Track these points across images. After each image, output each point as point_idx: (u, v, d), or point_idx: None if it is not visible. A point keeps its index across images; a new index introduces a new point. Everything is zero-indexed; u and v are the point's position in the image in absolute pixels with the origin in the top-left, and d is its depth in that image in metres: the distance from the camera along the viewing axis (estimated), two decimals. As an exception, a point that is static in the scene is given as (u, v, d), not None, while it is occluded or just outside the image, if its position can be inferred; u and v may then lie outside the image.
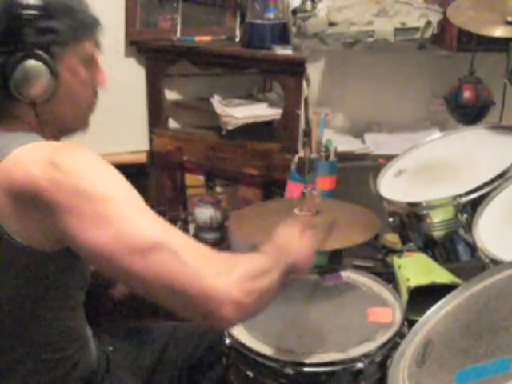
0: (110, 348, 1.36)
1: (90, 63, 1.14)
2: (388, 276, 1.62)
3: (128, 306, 1.43)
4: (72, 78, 1.11)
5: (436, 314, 1.19)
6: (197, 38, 2.32)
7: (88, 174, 1.00)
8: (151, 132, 2.42)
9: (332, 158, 2.03)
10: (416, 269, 1.56)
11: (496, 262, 1.30)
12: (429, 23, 2.21)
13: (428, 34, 2.22)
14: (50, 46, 1.06)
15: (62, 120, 1.13)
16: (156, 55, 2.36)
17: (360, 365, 1.25)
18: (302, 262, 1.14)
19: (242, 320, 1.01)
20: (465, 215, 1.52)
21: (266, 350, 1.28)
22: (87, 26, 1.11)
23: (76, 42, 1.09)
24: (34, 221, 1.01)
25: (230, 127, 2.22)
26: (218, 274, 0.95)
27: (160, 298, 0.99)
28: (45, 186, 0.98)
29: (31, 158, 1.01)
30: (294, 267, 1.12)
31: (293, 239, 1.15)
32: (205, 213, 2.35)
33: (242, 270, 0.99)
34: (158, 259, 0.95)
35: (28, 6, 1.05)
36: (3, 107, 1.10)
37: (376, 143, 2.45)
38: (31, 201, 0.99)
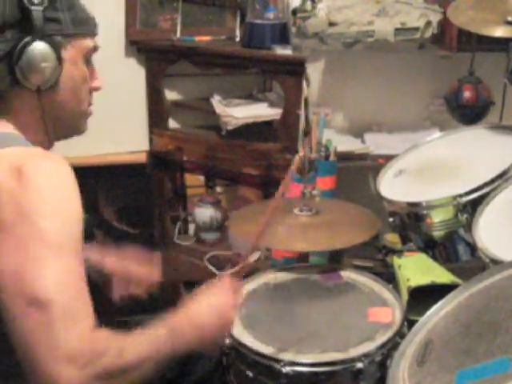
0: None
1: (88, 61, 1.16)
2: (388, 276, 1.61)
3: (123, 306, 1.42)
4: (74, 70, 1.13)
5: (436, 314, 1.19)
6: (197, 38, 2.32)
7: (42, 197, 0.98)
8: (151, 132, 2.42)
9: (332, 158, 2.03)
10: (416, 269, 1.56)
11: (496, 262, 1.30)
12: (429, 23, 2.21)
13: (428, 33, 2.22)
14: (55, 35, 1.08)
15: (60, 114, 1.14)
16: (156, 55, 2.35)
17: (360, 365, 1.25)
18: (209, 340, 1.14)
19: None
20: (465, 215, 1.52)
21: (266, 350, 1.28)
22: (87, 23, 1.14)
23: (77, 36, 1.12)
24: None
25: (230, 127, 2.22)
26: (74, 362, 0.92)
27: (18, 353, 0.96)
28: (2, 197, 0.96)
29: (5, 162, 1.00)
30: (198, 343, 1.11)
31: (214, 309, 1.14)
32: (205, 213, 2.35)
33: (102, 364, 0.95)
34: (33, 317, 0.92)
35: None
36: (3, 98, 1.10)
37: (376, 143, 2.45)
38: None
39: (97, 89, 1.20)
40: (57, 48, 1.08)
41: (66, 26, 1.09)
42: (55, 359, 0.92)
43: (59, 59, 1.08)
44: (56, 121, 1.14)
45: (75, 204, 1.01)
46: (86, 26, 1.14)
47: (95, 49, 1.18)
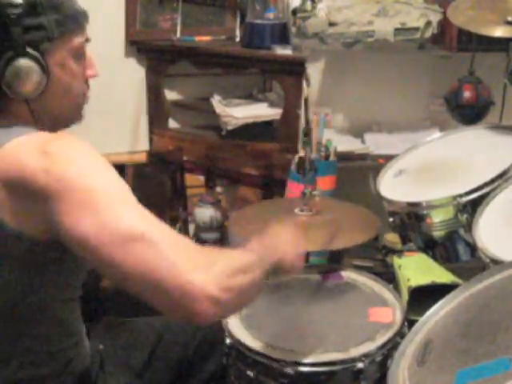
0: (101, 346, 1.36)
1: (80, 56, 1.15)
2: (388, 276, 1.62)
3: (118, 299, 1.43)
4: (62, 73, 1.12)
5: (436, 314, 1.19)
6: (197, 38, 2.32)
7: (78, 163, 1.01)
8: (151, 132, 2.42)
9: (332, 158, 2.03)
10: (416, 269, 1.57)
11: (496, 262, 1.30)
12: (429, 23, 2.21)
13: (428, 33, 2.22)
14: (39, 42, 1.07)
15: (56, 114, 1.15)
16: (156, 55, 2.36)
17: (360, 365, 1.25)
18: (289, 262, 1.15)
19: (218, 316, 1.00)
20: (465, 215, 1.52)
21: (267, 350, 1.28)
22: (75, 20, 1.12)
23: (64, 37, 1.10)
24: (27, 209, 1.02)
25: (230, 127, 2.22)
26: (196, 269, 0.95)
27: (137, 290, 0.99)
28: (35, 174, 0.99)
29: (24, 149, 1.02)
30: (280, 266, 1.12)
31: (282, 238, 1.15)
32: (205, 213, 2.35)
33: (221, 265, 0.98)
34: (137, 250, 0.95)
35: (13, 5, 1.05)
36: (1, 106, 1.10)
37: (376, 143, 2.45)
38: (23, 189, 1.00)
39: (92, 77, 1.20)
40: (41, 59, 1.07)
41: (50, 29, 1.08)
42: (179, 272, 0.94)
43: (43, 68, 1.08)
44: (52, 120, 1.15)
45: (105, 161, 1.04)
46: (73, 23, 1.11)
47: (86, 41, 1.17)
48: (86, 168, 1.01)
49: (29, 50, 1.06)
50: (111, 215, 0.97)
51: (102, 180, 1.01)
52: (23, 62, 1.06)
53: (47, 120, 1.14)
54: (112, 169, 1.04)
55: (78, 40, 1.12)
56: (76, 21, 1.12)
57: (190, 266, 0.95)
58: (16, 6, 1.05)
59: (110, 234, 0.96)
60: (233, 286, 0.98)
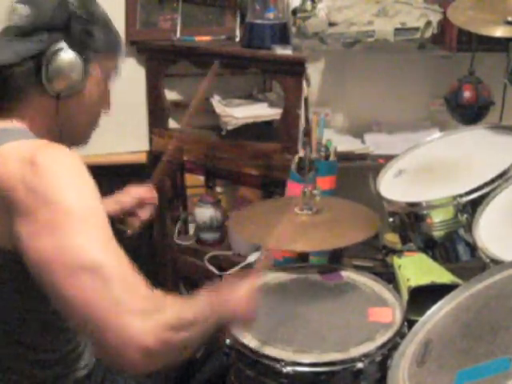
0: None
1: (109, 80, 1.17)
2: (388, 276, 1.62)
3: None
4: (95, 86, 1.14)
5: (436, 314, 1.19)
6: (197, 38, 2.32)
7: (60, 181, 0.99)
8: (151, 132, 2.42)
9: (332, 158, 2.03)
10: (416, 269, 1.56)
11: (496, 262, 1.30)
12: (429, 23, 2.21)
13: (428, 33, 2.22)
14: (86, 48, 1.10)
15: (72, 124, 1.14)
16: (156, 55, 2.36)
17: (360, 365, 1.25)
18: (239, 317, 1.14)
19: (146, 367, 0.94)
20: (465, 215, 1.52)
21: (266, 350, 1.28)
22: (116, 45, 1.16)
23: (106, 56, 1.14)
24: (3, 218, 1.00)
25: (230, 127, 2.22)
26: (139, 314, 0.92)
27: (76, 322, 0.96)
28: (15, 184, 0.98)
29: (15, 154, 1.01)
30: (228, 320, 1.12)
31: (237, 293, 1.12)
32: (205, 213, 2.35)
33: (166, 316, 0.95)
34: (87, 282, 0.92)
35: (81, 6, 1.09)
36: (21, 98, 1.10)
37: (376, 143, 2.45)
38: (3, 198, 0.99)
39: (105, 110, 1.21)
40: (86, 61, 1.10)
41: (99, 42, 1.11)
42: (119, 314, 0.91)
43: (85, 72, 1.10)
44: (64, 130, 1.14)
45: (91, 183, 1.02)
46: (114, 46, 1.16)
47: (116, 71, 1.19)
48: (66, 188, 0.98)
49: (79, 48, 1.08)
50: (72, 241, 0.94)
51: (75, 200, 0.98)
52: (72, 55, 1.08)
53: (60, 128, 1.13)
54: (94, 190, 1.01)
55: (112, 64, 1.16)
56: (116, 46, 1.16)
57: (133, 309, 0.92)
58: (82, 7, 1.09)
59: (65, 260, 0.93)
60: (171, 341, 0.94)
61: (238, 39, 2.35)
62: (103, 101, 1.19)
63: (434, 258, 1.61)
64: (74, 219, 0.96)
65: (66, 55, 1.07)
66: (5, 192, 0.99)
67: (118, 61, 1.18)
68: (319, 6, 2.20)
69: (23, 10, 1.06)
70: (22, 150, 1.02)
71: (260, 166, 2.20)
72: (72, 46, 1.08)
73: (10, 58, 1.05)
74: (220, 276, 2.21)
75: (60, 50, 1.07)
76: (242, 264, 2.19)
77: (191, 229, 2.53)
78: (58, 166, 1.00)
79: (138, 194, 1.50)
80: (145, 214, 1.54)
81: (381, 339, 1.30)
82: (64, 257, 0.93)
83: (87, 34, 1.10)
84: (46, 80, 1.08)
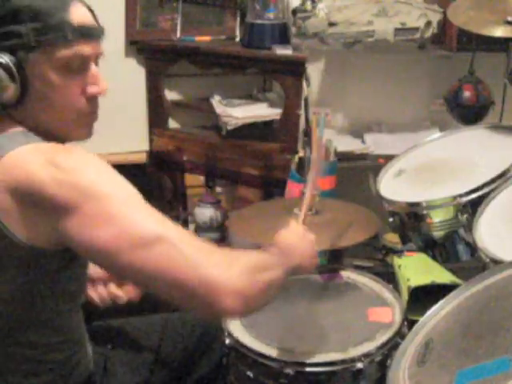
0: (109, 346, 1.36)
1: (69, 70, 1.08)
2: (388, 276, 1.62)
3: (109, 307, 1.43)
4: (41, 84, 1.07)
5: (436, 313, 1.19)
6: (197, 38, 2.32)
7: (88, 172, 1.01)
8: (151, 132, 2.42)
9: (332, 158, 2.03)
10: (416, 269, 1.57)
11: (496, 262, 1.30)
12: (429, 23, 2.21)
13: (428, 33, 2.22)
14: (15, 50, 1.04)
15: (44, 128, 1.10)
16: (156, 55, 2.36)
17: (360, 365, 1.25)
18: (306, 264, 1.17)
19: (244, 311, 1.01)
20: (465, 215, 1.52)
21: (266, 350, 1.28)
22: (59, 31, 1.05)
23: (44, 48, 1.05)
24: (35, 219, 1.01)
25: (230, 127, 2.22)
26: (218, 265, 0.97)
27: (162, 291, 1.00)
28: (46, 184, 0.98)
29: (31, 158, 1.01)
30: (297, 268, 1.14)
31: (297, 241, 1.17)
32: (205, 213, 2.35)
33: (243, 262, 1.01)
34: (158, 252, 0.97)
35: None
36: None
37: (376, 143, 2.45)
38: (31, 199, 1.00)
39: (96, 94, 1.13)
40: (13, 66, 1.04)
41: (27, 38, 1.04)
42: (202, 270, 0.96)
43: (13, 77, 1.04)
44: (43, 134, 1.10)
45: (113, 170, 1.04)
46: (55, 34, 1.05)
47: (97, 56, 1.13)
48: (96, 177, 1.01)
49: (1, 56, 1.03)
50: (127, 221, 0.98)
51: (113, 188, 1.01)
52: None
53: (40, 133, 1.10)
54: (119, 176, 1.03)
55: (63, 53, 1.06)
56: (60, 32, 1.05)
57: (211, 263, 0.97)
58: None
59: (129, 240, 0.97)
60: (257, 281, 1.00)
61: (238, 39, 2.35)
62: (70, 92, 1.10)
63: (434, 257, 1.61)
64: (120, 203, 0.99)
65: None
66: (34, 194, 0.99)
67: (69, 45, 1.06)
68: (319, 5, 2.20)
69: None
70: (38, 153, 1.02)
71: (260, 166, 2.20)
72: None
73: None
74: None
75: None
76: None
77: (191, 229, 2.53)
78: (78, 162, 1.02)
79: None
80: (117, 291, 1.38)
81: (381, 339, 1.30)
82: (127, 238, 0.97)
83: (9, 36, 1.03)
84: None
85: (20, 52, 1.04)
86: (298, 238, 1.20)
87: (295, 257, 1.14)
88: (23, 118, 1.09)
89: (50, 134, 1.10)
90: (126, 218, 0.98)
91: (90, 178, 1.00)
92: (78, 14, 1.08)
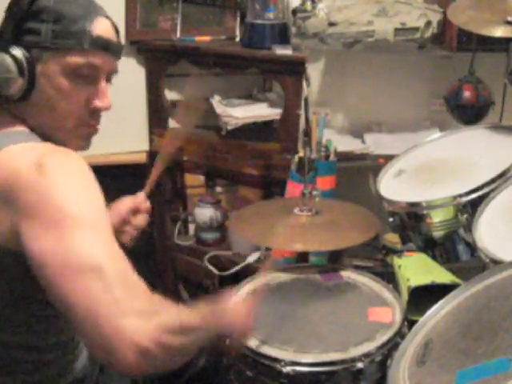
0: None
1: (77, 78, 1.10)
2: (388, 276, 1.61)
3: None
4: (48, 86, 1.08)
5: (436, 314, 1.19)
6: (197, 38, 2.32)
7: (65, 182, 0.99)
8: (151, 132, 2.42)
9: (332, 158, 2.03)
10: (416, 269, 1.56)
11: (496, 262, 1.30)
12: (429, 23, 2.21)
13: (428, 33, 2.22)
14: (31, 46, 1.06)
15: (43, 128, 1.11)
16: (156, 55, 2.36)
17: (360, 364, 1.25)
18: (235, 335, 1.11)
19: (141, 369, 0.93)
20: (465, 215, 1.52)
21: (266, 350, 1.28)
22: (75, 37, 1.08)
23: (57, 50, 1.07)
24: (7, 218, 1.00)
25: (230, 127, 2.22)
26: (135, 314, 0.92)
27: (74, 321, 0.96)
28: (21, 184, 0.98)
29: (22, 157, 1.01)
30: (224, 333, 1.08)
31: (233, 311, 1.09)
32: (205, 213, 2.35)
33: (163, 318, 0.94)
34: (86, 282, 0.93)
35: (19, 4, 1.06)
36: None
37: (376, 143, 2.45)
38: (7, 197, 0.99)
39: (100, 108, 1.14)
40: (25, 61, 1.05)
41: (44, 38, 1.06)
42: (118, 314, 0.91)
43: (22, 72, 1.05)
44: (45, 134, 1.11)
45: (96, 187, 1.02)
46: (73, 39, 1.08)
47: (110, 72, 1.14)
48: (70, 191, 0.98)
49: (17, 49, 1.05)
50: (73, 242, 0.95)
51: (80, 204, 0.98)
52: (4, 58, 1.05)
53: (40, 134, 1.10)
54: (98, 194, 1.01)
55: (76, 59, 1.08)
56: (77, 39, 1.08)
57: (132, 310, 0.92)
58: (20, 5, 1.06)
59: (65, 262, 0.94)
60: (167, 344, 0.93)
61: (238, 39, 2.35)
62: (75, 99, 1.11)
63: (434, 257, 1.61)
64: (76, 222, 0.96)
65: (1, 56, 1.05)
66: (11, 191, 0.99)
67: (83, 53, 1.09)
68: (319, 6, 2.20)
69: None
70: (29, 152, 1.02)
71: (260, 166, 2.20)
72: (6, 47, 1.05)
73: None
74: (219, 276, 2.21)
75: None
76: (242, 264, 2.19)
77: (191, 229, 2.53)
78: (63, 169, 1.00)
79: (131, 203, 1.45)
80: (139, 222, 1.46)
81: (381, 339, 1.30)
82: (65, 258, 0.94)
83: (30, 33, 1.06)
84: None
85: (35, 49, 1.06)
86: (234, 310, 1.09)
87: (223, 325, 1.06)
88: (26, 116, 1.09)
89: (47, 138, 1.10)
90: (74, 237, 0.95)
91: (63, 188, 0.98)
92: (100, 27, 1.11)
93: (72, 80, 1.09)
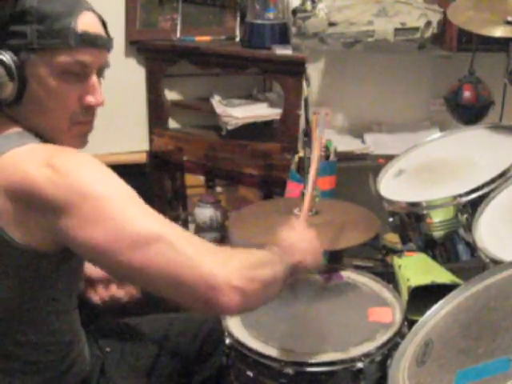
0: (107, 349, 1.35)
1: (68, 76, 1.08)
2: (388, 276, 1.62)
3: (110, 307, 1.42)
4: (38, 87, 1.07)
5: (436, 313, 1.19)
6: (197, 38, 2.32)
7: (84, 173, 1.00)
8: (151, 132, 2.42)
9: (332, 158, 2.03)
10: (416, 269, 1.56)
11: (496, 262, 1.30)
12: (429, 23, 2.21)
13: (428, 33, 2.22)
14: (19, 49, 1.05)
15: (38, 129, 1.10)
16: (156, 55, 2.36)
17: (360, 364, 1.25)
18: (309, 260, 1.17)
19: (243, 307, 1.01)
20: (465, 215, 1.52)
21: (266, 350, 1.28)
22: (60, 35, 1.05)
23: (44, 50, 1.06)
24: (31, 221, 1.01)
25: (230, 127, 2.22)
26: (216, 263, 0.98)
27: (161, 290, 1.00)
28: (42, 186, 0.98)
29: (28, 159, 1.01)
30: (300, 266, 1.14)
31: (298, 238, 1.17)
32: (205, 213, 2.35)
33: (241, 259, 1.02)
34: (156, 251, 0.97)
35: (2, 7, 1.05)
36: None
37: (376, 143, 2.46)
38: (27, 201, 0.99)
39: (93, 104, 1.12)
40: (12, 64, 1.04)
41: (30, 40, 1.04)
42: (201, 267, 0.97)
43: (11, 75, 1.04)
44: (41, 134, 1.10)
45: (109, 170, 1.03)
46: (58, 38, 1.05)
47: (101, 66, 1.12)
48: (92, 178, 1.00)
49: (4, 54, 1.04)
50: (124, 221, 0.98)
51: (109, 188, 1.01)
52: None
53: (37, 134, 1.10)
54: (115, 176, 1.03)
55: (64, 58, 1.06)
56: (63, 38, 1.05)
57: (209, 260, 0.98)
58: (5, 9, 1.04)
59: (126, 240, 0.97)
60: (255, 277, 1.00)
61: (238, 39, 2.35)
62: (66, 98, 1.09)
63: (434, 257, 1.61)
64: (117, 203, 0.99)
65: None
66: (31, 195, 0.99)
67: (70, 51, 1.06)
68: (319, 6, 2.21)
69: None
70: (34, 155, 1.02)
71: (260, 166, 2.20)
72: None
73: None
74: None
75: None
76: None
77: (191, 229, 2.53)
78: (74, 163, 1.01)
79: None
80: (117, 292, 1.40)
81: (381, 339, 1.30)
82: (124, 237, 0.97)
83: (16, 35, 1.04)
84: None
85: (23, 52, 1.05)
86: (299, 235, 1.20)
87: (296, 254, 1.14)
88: (21, 118, 1.09)
89: (44, 139, 1.10)
90: (123, 217, 0.98)
91: (85, 178, 1.00)
92: (85, 22, 1.08)
93: (62, 79, 1.08)
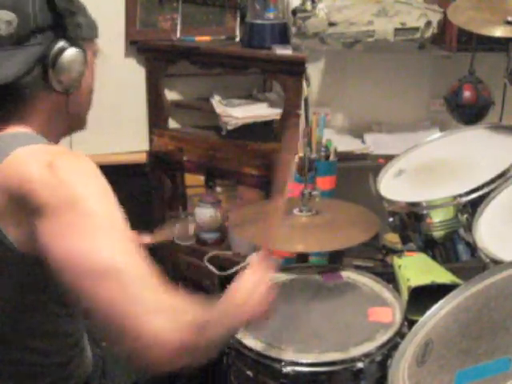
0: (104, 343, 1.35)
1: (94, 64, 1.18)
2: (388, 276, 1.62)
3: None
4: (89, 73, 1.15)
5: (436, 313, 1.19)
6: (197, 38, 2.32)
7: (82, 184, 0.99)
8: (151, 132, 2.42)
9: (332, 158, 2.03)
10: (416, 269, 1.56)
11: (496, 262, 1.30)
12: (429, 23, 2.21)
13: (428, 33, 2.22)
14: (79, 39, 1.10)
15: (77, 113, 1.16)
16: (156, 55, 2.35)
17: (360, 364, 1.25)
18: (253, 319, 1.12)
19: (171, 366, 0.95)
20: (465, 215, 1.52)
21: (266, 350, 1.28)
22: (95, 27, 1.16)
23: (92, 39, 1.15)
24: (24, 222, 1.00)
25: (230, 127, 2.22)
26: (160, 313, 0.93)
27: (98, 323, 0.97)
28: (38, 187, 0.97)
29: (32, 159, 1.01)
30: (244, 324, 1.13)
31: (251, 292, 1.11)
32: (205, 213, 2.34)
33: (191, 316, 0.95)
34: (108, 286, 0.93)
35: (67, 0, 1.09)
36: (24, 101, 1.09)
37: (376, 143, 2.45)
38: (22, 201, 0.99)
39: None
40: (84, 52, 1.10)
41: (85, 30, 1.11)
42: (144, 315, 0.92)
43: (85, 63, 1.10)
44: (69, 121, 1.15)
45: (108, 187, 1.02)
46: (95, 29, 1.16)
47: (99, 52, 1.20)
48: (87, 191, 0.99)
49: (75, 44, 1.08)
50: (92, 247, 0.95)
51: (100, 207, 0.98)
52: (74, 51, 1.08)
53: (66, 119, 1.14)
54: (111, 193, 1.02)
55: (96, 47, 1.17)
56: (95, 29, 1.16)
57: (154, 309, 0.93)
58: (69, 1, 1.09)
59: (86, 265, 0.94)
60: (196, 340, 0.94)
61: (238, 39, 2.35)
62: (93, 82, 1.19)
63: (434, 257, 1.61)
64: (95, 221, 0.96)
65: (69, 52, 1.07)
66: (25, 195, 0.98)
67: (96, 44, 1.19)
68: (319, 5, 2.20)
69: (6, 16, 1.03)
70: (38, 155, 1.02)
71: (260, 166, 2.20)
72: (69, 41, 1.07)
73: (18, 70, 1.03)
74: (219, 276, 2.21)
75: (62, 48, 1.06)
76: (242, 264, 2.19)
77: (191, 229, 2.53)
78: (76, 170, 1.01)
79: None
80: None
81: (381, 339, 1.30)
82: (85, 259, 0.94)
83: (76, 26, 1.09)
84: (55, 81, 1.07)
85: (81, 41, 1.11)
86: (252, 287, 1.12)
87: (245, 315, 1.09)
88: (31, 118, 1.09)
89: (74, 124, 1.18)
90: (95, 239, 0.95)
91: (80, 190, 0.98)
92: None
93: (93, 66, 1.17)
